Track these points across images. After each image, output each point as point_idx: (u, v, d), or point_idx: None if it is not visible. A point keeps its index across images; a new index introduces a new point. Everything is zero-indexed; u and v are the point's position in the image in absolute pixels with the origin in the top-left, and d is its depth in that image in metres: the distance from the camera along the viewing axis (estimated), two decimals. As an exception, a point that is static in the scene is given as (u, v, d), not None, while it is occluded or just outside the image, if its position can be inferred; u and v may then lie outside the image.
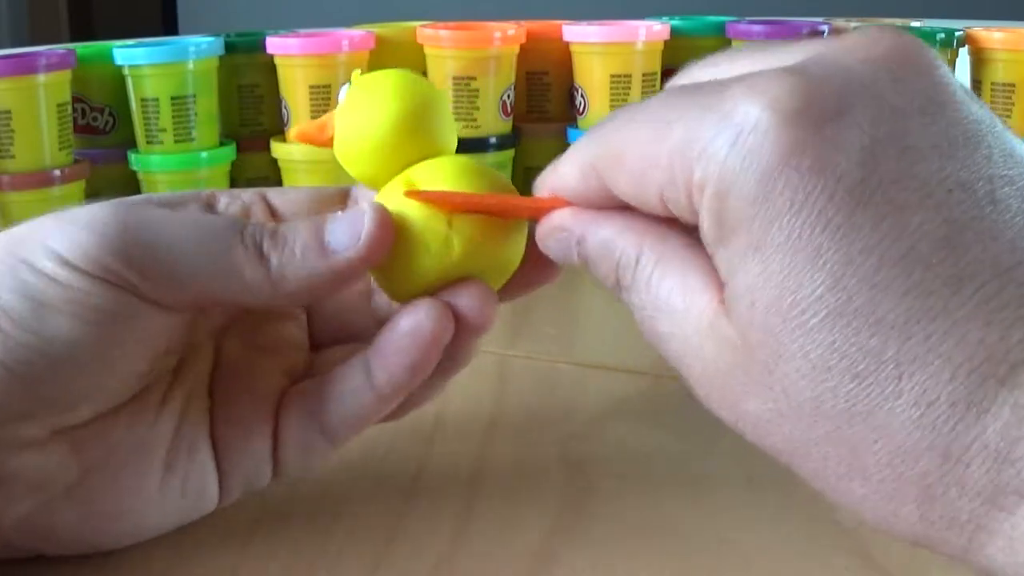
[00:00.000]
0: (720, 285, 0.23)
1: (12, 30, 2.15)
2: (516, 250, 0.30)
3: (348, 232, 0.27)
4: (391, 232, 0.28)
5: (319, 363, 0.32)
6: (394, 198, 0.29)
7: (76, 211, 0.27)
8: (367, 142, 0.29)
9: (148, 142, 0.59)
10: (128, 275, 0.26)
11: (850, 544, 0.31)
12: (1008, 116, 0.56)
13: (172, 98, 0.58)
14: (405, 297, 0.29)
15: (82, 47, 0.62)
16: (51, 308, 0.26)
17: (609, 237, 0.25)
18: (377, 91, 0.30)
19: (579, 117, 0.64)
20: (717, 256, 0.22)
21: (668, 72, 0.58)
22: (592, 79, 0.61)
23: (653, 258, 0.24)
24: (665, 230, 0.24)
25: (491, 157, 0.63)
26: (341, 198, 0.32)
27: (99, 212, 0.27)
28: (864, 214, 0.20)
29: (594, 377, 0.43)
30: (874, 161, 0.20)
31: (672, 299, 0.24)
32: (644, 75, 0.60)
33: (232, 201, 0.31)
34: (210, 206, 0.30)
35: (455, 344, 0.29)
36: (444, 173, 0.29)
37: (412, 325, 0.28)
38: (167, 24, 2.32)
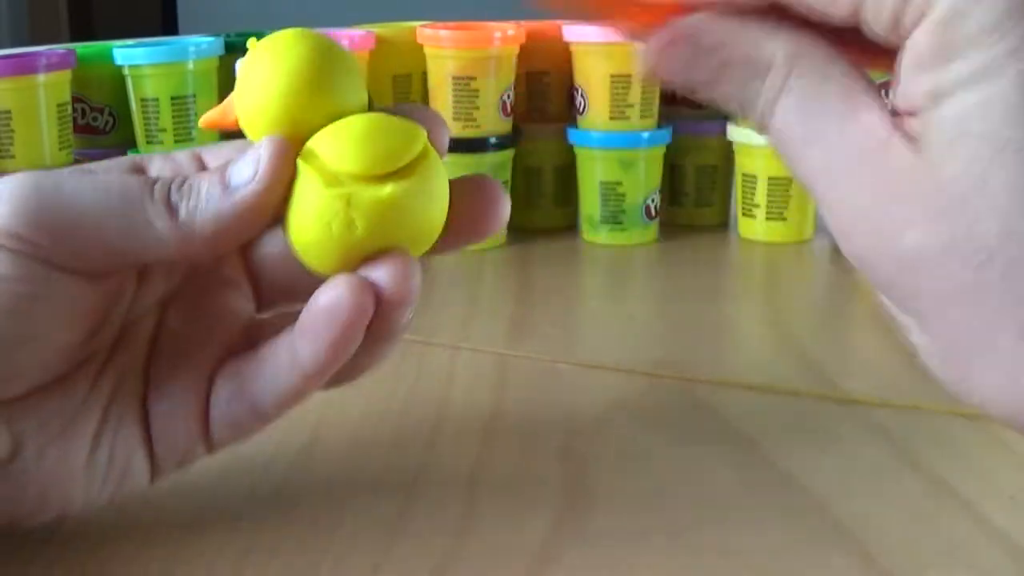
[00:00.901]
0: (885, 112, 0.23)
1: (12, 30, 2.14)
2: (435, 213, 0.28)
3: (248, 167, 0.27)
4: (288, 162, 0.27)
5: (258, 330, 0.31)
6: (300, 172, 0.27)
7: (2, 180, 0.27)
8: (263, 111, 0.28)
9: (148, 142, 0.59)
10: (39, 240, 0.26)
11: (850, 544, 0.31)
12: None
13: (172, 98, 0.58)
14: (325, 271, 0.28)
15: (82, 47, 0.62)
16: None
17: (760, 36, 0.24)
18: (265, 54, 0.28)
19: (579, 117, 0.64)
20: (919, 79, 0.22)
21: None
22: (592, 79, 0.61)
23: (818, 57, 0.23)
24: (820, 39, 0.23)
25: (491, 157, 0.63)
26: None
27: (14, 179, 0.27)
28: None
29: (594, 377, 0.43)
30: None
31: (836, 106, 0.23)
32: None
33: (165, 163, 0.30)
34: (140, 170, 0.30)
35: (379, 320, 0.27)
36: (349, 135, 0.27)
37: (329, 304, 0.27)
38: (167, 24, 2.32)
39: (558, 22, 0.64)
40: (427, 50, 0.61)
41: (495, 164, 0.64)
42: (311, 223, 0.27)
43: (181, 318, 0.31)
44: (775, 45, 0.24)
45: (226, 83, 0.62)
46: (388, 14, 0.85)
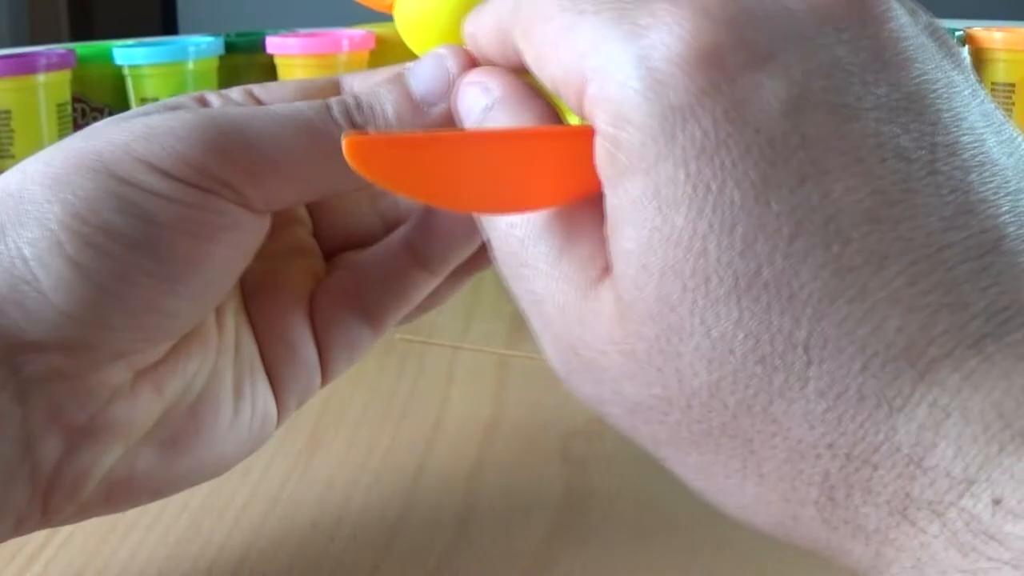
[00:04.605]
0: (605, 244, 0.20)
1: (12, 30, 2.14)
2: None
3: (436, 81, 0.25)
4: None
5: (334, 268, 0.30)
6: None
7: (149, 121, 0.24)
8: (435, 23, 0.27)
9: (148, 142, 0.59)
10: (234, 180, 0.24)
11: (850, 544, 0.31)
12: (1008, 116, 0.57)
13: (172, 98, 0.59)
14: None
15: (82, 47, 0.62)
16: (164, 227, 0.23)
17: None
18: None
19: (579, 117, 0.64)
20: (608, 201, 0.19)
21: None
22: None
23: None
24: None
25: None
26: (331, 89, 0.30)
27: (183, 119, 0.24)
28: (782, 173, 0.18)
29: (594, 377, 0.43)
30: (799, 116, 0.18)
31: (555, 236, 0.21)
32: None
33: (225, 103, 0.28)
34: (204, 105, 0.28)
35: None
36: None
37: None
38: (167, 24, 2.32)
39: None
40: (427, 50, 0.61)
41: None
42: None
43: (260, 258, 0.29)
44: None
45: (226, 83, 0.62)
46: (388, 14, 0.85)
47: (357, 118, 0.25)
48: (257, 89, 0.29)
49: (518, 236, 0.21)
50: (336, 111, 0.25)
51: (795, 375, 0.18)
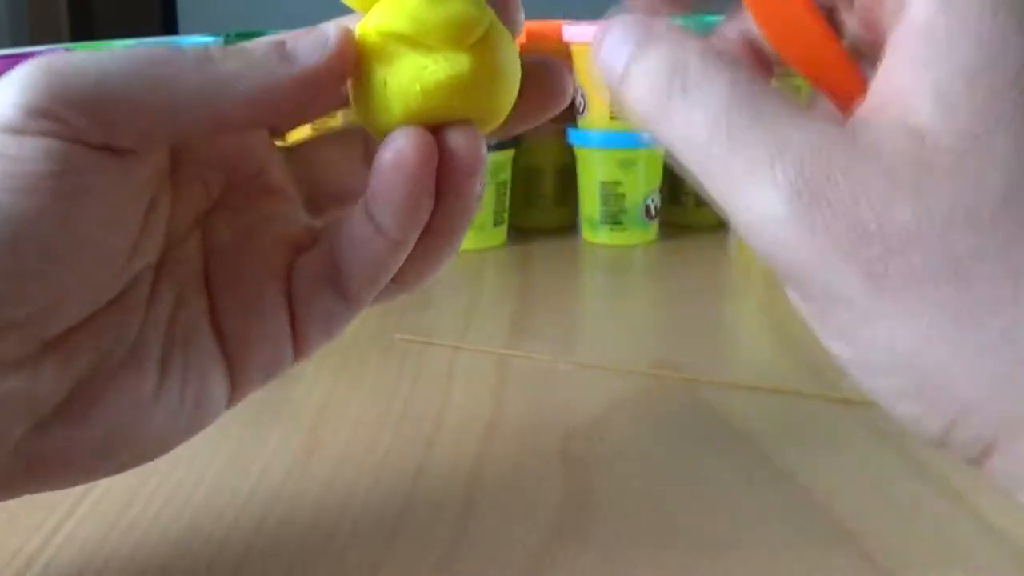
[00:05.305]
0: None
1: (12, 30, 2.14)
2: (507, 89, 0.27)
3: (313, 43, 0.26)
4: (352, 51, 0.26)
5: (324, 233, 0.30)
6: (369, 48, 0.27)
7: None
8: None
9: (148, 142, 0.59)
10: (68, 116, 0.24)
11: (850, 544, 0.31)
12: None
13: (172, 98, 0.58)
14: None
15: (82, 47, 0.62)
16: None
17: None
18: None
19: (579, 117, 0.64)
20: (929, 23, 0.21)
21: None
22: (592, 79, 0.61)
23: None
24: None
25: (491, 157, 0.63)
26: None
27: (20, 66, 0.24)
28: None
29: (594, 377, 0.43)
30: None
31: (784, 103, 0.22)
32: (644, 75, 0.60)
33: None
34: None
35: (449, 191, 0.27)
36: (407, 8, 0.26)
37: (394, 156, 0.26)
38: (167, 24, 2.32)
39: (558, 22, 0.64)
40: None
41: (495, 164, 0.64)
42: (383, 99, 0.26)
43: (231, 229, 0.29)
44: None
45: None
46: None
47: (216, 53, 0.26)
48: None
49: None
50: (191, 47, 0.26)
51: None
